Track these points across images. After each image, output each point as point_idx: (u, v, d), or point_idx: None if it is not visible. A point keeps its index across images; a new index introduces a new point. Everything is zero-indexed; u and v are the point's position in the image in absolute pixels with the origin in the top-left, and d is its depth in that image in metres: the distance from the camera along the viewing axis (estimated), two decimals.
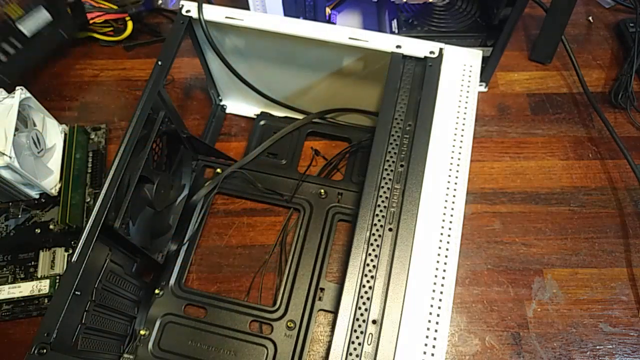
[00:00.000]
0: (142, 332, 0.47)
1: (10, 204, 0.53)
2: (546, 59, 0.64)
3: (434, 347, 0.33)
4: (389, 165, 0.39)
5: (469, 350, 0.47)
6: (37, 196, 0.53)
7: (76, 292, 0.35)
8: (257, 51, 0.50)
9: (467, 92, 0.42)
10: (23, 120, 0.51)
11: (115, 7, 0.62)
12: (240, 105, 0.61)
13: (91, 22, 0.62)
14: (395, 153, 0.40)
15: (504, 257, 0.52)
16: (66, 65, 0.66)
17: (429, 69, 0.43)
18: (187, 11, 0.46)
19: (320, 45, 0.45)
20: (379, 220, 0.37)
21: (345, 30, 0.44)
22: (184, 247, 0.51)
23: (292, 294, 0.49)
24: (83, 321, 0.37)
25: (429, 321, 0.34)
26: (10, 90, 0.50)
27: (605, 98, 0.62)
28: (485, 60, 0.57)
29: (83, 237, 0.37)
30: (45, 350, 0.33)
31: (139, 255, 0.46)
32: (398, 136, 0.40)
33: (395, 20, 0.59)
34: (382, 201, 0.38)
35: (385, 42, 0.44)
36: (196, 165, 0.56)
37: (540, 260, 0.52)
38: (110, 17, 0.63)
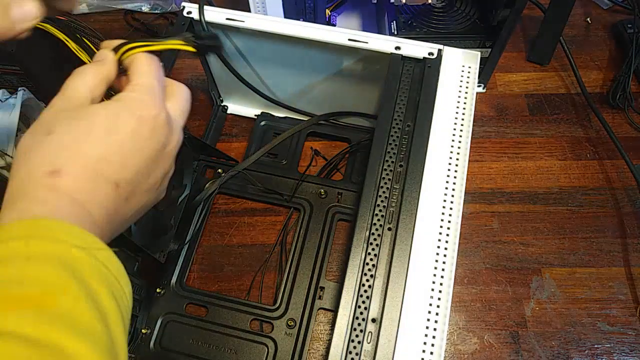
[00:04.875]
0: (143, 331, 0.47)
1: None
2: (544, 60, 0.65)
3: (432, 345, 0.34)
4: (388, 166, 0.40)
5: (467, 349, 0.48)
6: None
7: None
8: (258, 52, 0.50)
9: (466, 92, 0.43)
10: (25, 120, 0.51)
11: None
12: (241, 105, 0.62)
13: None
14: (394, 153, 0.40)
15: (502, 256, 0.52)
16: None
17: (427, 70, 0.43)
18: (188, 12, 0.46)
19: (320, 46, 0.46)
20: (379, 220, 0.38)
21: (345, 32, 0.45)
22: (185, 247, 0.52)
23: (292, 293, 0.49)
24: None
25: (428, 320, 0.34)
26: (12, 91, 0.51)
27: (603, 99, 0.63)
28: (483, 61, 0.57)
29: None
30: None
31: (141, 254, 0.46)
32: (397, 136, 0.41)
33: (394, 22, 0.60)
34: (382, 201, 0.38)
35: (384, 43, 0.44)
36: (197, 165, 0.57)
37: (539, 259, 0.52)
38: None
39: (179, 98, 0.29)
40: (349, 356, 0.34)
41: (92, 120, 0.24)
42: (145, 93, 0.26)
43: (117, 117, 0.25)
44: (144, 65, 0.27)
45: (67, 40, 0.51)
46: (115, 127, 0.24)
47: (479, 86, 0.63)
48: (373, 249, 0.37)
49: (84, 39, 0.51)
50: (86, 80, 0.26)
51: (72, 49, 0.51)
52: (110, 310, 0.21)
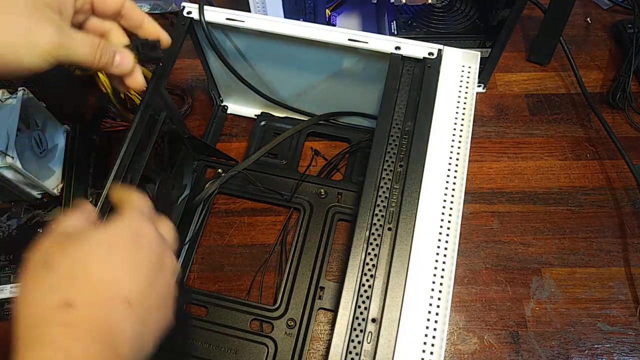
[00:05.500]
0: None
1: (13, 203, 0.53)
2: (544, 59, 0.65)
3: (432, 345, 0.34)
4: (388, 165, 0.40)
5: (467, 349, 0.48)
6: (39, 196, 0.53)
7: None
8: (258, 52, 0.50)
9: (466, 92, 0.43)
10: (25, 120, 0.51)
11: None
12: (241, 105, 0.62)
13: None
14: (394, 153, 0.40)
15: (502, 256, 0.52)
16: None
17: (428, 70, 0.43)
18: (188, 13, 0.46)
19: (320, 46, 0.46)
20: (379, 220, 0.38)
21: (345, 32, 0.45)
22: (185, 247, 0.52)
23: (292, 293, 0.49)
24: None
25: (428, 320, 0.34)
26: (12, 90, 0.51)
27: (603, 99, 0.63)
28: (483, 61, 0.57)
29: None
30: None
31: None
32: (397, 136, 0.41)
33: (394, 22, 0.60)
34: (382, 201, 0.38)
35: (384, 43, 0.44)
36: (197, 165, 0.57)
37: (539, 259, 0.52)
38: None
39: (165, 224, 0.31)
40: (349, 356, 0.34)
41: (93, 242, 0.24)
42: (136, 215, 0.28)
43: (116, 236, 0.25)
44: (133, 197, 0.30)
45: None
46: (116, 245, 0.25)
47: (479, 86, 0.63)
48: (373, 249, 0.37)
49: None
50: (72, 218, 0.27)
51: None
52: None
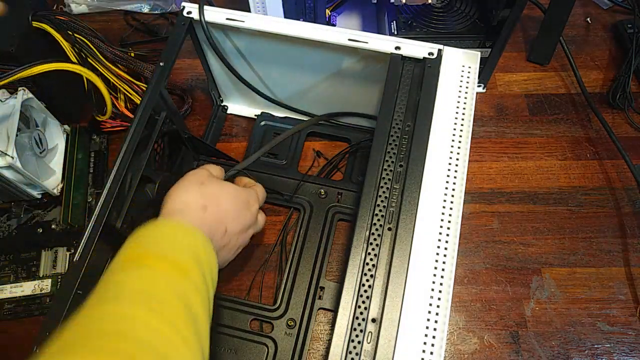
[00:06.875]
0: None
1: (13, 203, 0.53)
2: (544, 60, 0.65)
3: (432, 345, 0.34)
4: (388, 165, 0.40)
5: (467, 349, 0.48)
6: (39, 196, 0.53)
7: (78, 292, 0.36)
8: (258, 52, 0.50)
9: (466, 92, 0.43)
10: (25, 120, 0.51)
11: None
12: (241, 105, 0.62)
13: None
14: (394, 153, 0.40)
15: (502, 256, 0.52)
16: None
17: (428, 70, 0.43)
18: (188, 13, 0.46)
19: (320, 46, 0.46)
20: (379, 220, 0.38)
21: (345, 32, 0.45)
22: None
23: (292, 293, 0.49)
24: None
25: (428, 320, 0.34)
26: (12, 91, 0.51)
27: (603, 99, 0.63)
28: (483, 61, 0.57)
29: (85, 236, 0.37)
30: None
31: None
32: (397, 136, 0.41)
33: (394, 22, 0.60)
34: (382, 201, 0.38)
35: (384, 43, 0.44)
36: (197, 165, 0.57)
37: (539, 259, 0.52)
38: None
39: (260, 188, 0.47)
40: (349, 356, 0.34)
41: (226, 189, 0.42)
42: (244, 189, 0.44)
43: (235, 191, 0.42)
44: (244, 180, 0.48)
45: (61, 40, 0.51)
46: (234, 197, 0.42)
47: (479, 86, 0.63)
48: (373, 249, 0.37)
49: (83, 38, 0.51)
50: (215, 169, 0.44)
51: (64, 48, 0.51)
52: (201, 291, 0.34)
